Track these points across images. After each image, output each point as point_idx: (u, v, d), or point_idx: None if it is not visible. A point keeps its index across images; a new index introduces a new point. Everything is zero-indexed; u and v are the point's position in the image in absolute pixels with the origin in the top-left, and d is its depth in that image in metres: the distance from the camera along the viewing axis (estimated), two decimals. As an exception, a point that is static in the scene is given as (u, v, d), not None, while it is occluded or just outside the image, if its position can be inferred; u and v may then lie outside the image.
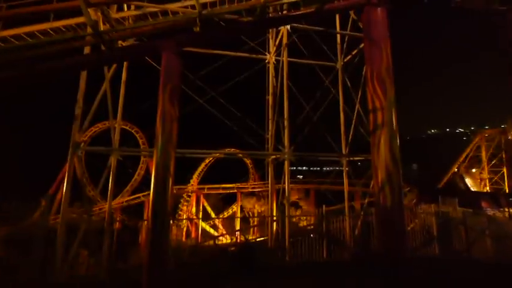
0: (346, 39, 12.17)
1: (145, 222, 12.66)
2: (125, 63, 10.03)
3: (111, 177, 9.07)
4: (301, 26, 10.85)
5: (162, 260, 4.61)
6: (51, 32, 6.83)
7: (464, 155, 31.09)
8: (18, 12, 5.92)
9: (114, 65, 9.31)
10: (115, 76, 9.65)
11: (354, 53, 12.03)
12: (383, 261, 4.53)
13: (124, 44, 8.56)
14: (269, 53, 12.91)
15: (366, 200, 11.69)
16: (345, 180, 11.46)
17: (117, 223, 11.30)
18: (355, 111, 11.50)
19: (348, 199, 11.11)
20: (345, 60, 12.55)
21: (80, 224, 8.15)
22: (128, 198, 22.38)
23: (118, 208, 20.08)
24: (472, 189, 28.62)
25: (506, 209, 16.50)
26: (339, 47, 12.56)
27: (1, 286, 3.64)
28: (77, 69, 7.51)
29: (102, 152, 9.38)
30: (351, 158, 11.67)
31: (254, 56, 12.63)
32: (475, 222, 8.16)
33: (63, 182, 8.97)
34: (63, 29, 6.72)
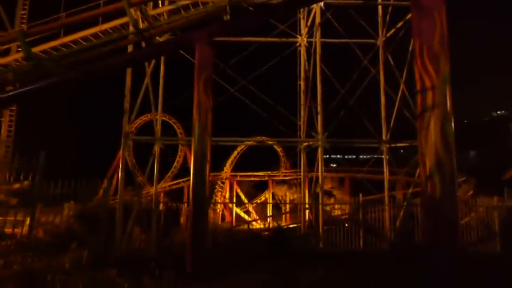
0: (389, 10, 10.82)
1: (185, 205, 13.87)
2: (162, 58, 10.67)
3: (156, 164, 10.06)
4: (336, 1, 9.98)
5: (202, 239, 5.04)
6: (100, 34, 7.61)
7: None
8: (75, 20, 6.70)
9: (153, 61, 10.00)
10: (154, 71, 10.40)
11: (398, 26, 10.66)
12: (428, 254, 4.19)
13: (160, 40, 9.08)
14: (300, 35, 12.28)
15: (410, 190, 10.75)
16: (385, 169, 10.65)
17: (162, 205, 12.62)
18: (399, 93, 10.38)
19: (388, 189, 10.37)
20: (387, 35, 11.24)
21: (133, 205, 9.34)
22: (170, 183, 24.59)
23: (162, 192, 22.28)
24: None
25: None
26: (380, 20, 11.25)
27: (78, 255, 4.43)
28: (123, 66, 8.29)
29: (148, 141, 10.39)
30: (393, 145, 10.73)
31: (284, 39, 12.17)
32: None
33: (118, 167, 10.27)
34: (110, 31, 7.42)
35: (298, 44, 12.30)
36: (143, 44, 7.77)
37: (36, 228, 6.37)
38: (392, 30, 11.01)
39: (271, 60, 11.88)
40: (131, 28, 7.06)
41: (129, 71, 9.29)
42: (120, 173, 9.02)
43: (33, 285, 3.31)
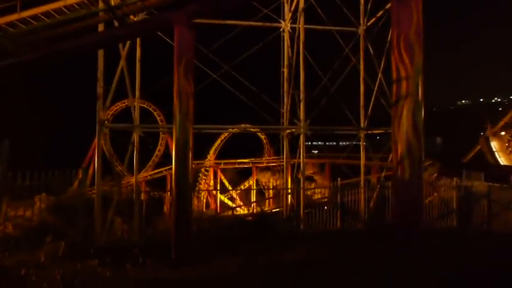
0: (370, -1, 10.93)
1: (168, 193, 13.68)
2: (138, 40, 9.97)
3: (135, 153, 9.69)
4: (320, -14, 9.84)
5: (186, 226, 5.07)
6: (65, 10, 6.84)
7: (498, 126, 28.64)
8: (33, -9, 5.92)
9: (128, 42, 9.30)
10: (131, 54, 9.71)
11: (378, 15, 10.85)
12: (396, 231, 4.62)
13: (135, 19, 8.41)
14: (284, 20, 12.04)
15: (383, 174, 11.54)
16: (362, 154, 11.26)
17: (144, 194, 12.34)
18: (377, 82, 10.78)
19: (364, 173, 11.03)
20: (368, 24, 11.41)
21: (113, 196, 9.03)
22: (152, 172, 23.94)
23: (143, 181, 21.68)
24: (498, 154, 26.51)
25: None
26: (361, 8, 11.35)
27: (54, 248, 4.26)
28: (93, 47, 7.61)
29: (125, 129, 9.90)
30: (369, 131, 11.29)
31: (268, 24, 11.88)
32: (501, 196, 7.85)
33: (94, 157, 9.75)
34: (77, 7, 6.69)
35: (281, 30, 12.09)
36: (116, 24, 7.16)
37: (4, 223, 5.96)
38: (373, 19, 11.19)
39: (255, 45, 11.61)
40: (101, 4, 6.43)
41: (101, 52, 8.58)
42: (96, 163, 8.58)
43: (6, 281, 3.15)
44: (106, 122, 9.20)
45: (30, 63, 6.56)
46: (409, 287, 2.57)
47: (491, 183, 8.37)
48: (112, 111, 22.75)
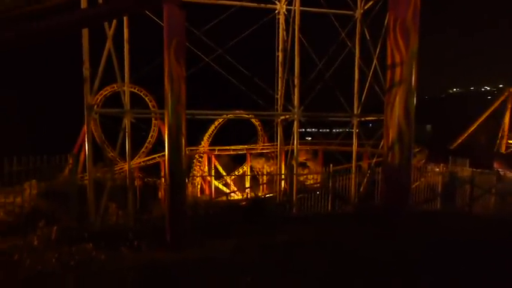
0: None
1: (163, 179, 13.71)
2: (126, 19, 9.42)
3: (127, 138, 9.52)
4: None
5: (181, 210, 5.13)
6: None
7: (485, 115, 29.49)
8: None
9: (115, 23, 8.79)
10: (117, 35, 9.21)
11: (376, -2, 10.54)
12: (384, 213, 4.83)
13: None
14: (279, 1, 11.56)
15: (374, 160, 11.84)
16: (355, 140, 11.42)
17: (138, 181, 12.31)
18: (372, 67, 10.70)
19: (356, 159, 11.27)
20: (365, 7, 11.10)
21: (106, 182, 8.97)
22: (145, 158, 23.79)
23: (136, 168, 21.58)
24: None
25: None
26: (359, -10, 10.99)
27: (47, 233, 4.26)
28: (74, 26, 7.14)
29: (116, 114, 9.63)
30: (363, 118, 11.39)
31: (263, 5, 11.39)
32: (484, 181, 8.24)
33: (84, 143, 9.55)
34: (56, -20, 6.18)
35: (277, 12, 11.64)
36: (100, 0, 6.71)
37: (-6, 209, 5.87)
38: (371, 2, 10.88)
39: (249, 27, 11.19)
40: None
41: (85, 32, 8.10)
42: (87, 149, 8.41)
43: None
44: (95, 107, 8.91)
45: (4, 43, 6.12)
46: (387, 260, 2.75)
47: (474, 169, 8.76)
48: (101, 96, 22.02)
